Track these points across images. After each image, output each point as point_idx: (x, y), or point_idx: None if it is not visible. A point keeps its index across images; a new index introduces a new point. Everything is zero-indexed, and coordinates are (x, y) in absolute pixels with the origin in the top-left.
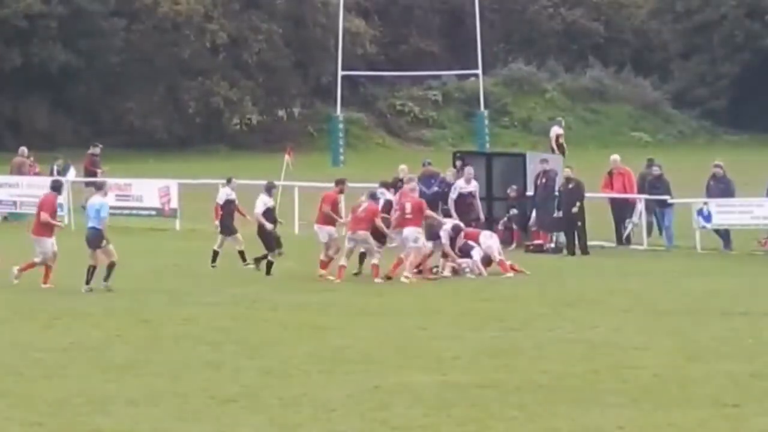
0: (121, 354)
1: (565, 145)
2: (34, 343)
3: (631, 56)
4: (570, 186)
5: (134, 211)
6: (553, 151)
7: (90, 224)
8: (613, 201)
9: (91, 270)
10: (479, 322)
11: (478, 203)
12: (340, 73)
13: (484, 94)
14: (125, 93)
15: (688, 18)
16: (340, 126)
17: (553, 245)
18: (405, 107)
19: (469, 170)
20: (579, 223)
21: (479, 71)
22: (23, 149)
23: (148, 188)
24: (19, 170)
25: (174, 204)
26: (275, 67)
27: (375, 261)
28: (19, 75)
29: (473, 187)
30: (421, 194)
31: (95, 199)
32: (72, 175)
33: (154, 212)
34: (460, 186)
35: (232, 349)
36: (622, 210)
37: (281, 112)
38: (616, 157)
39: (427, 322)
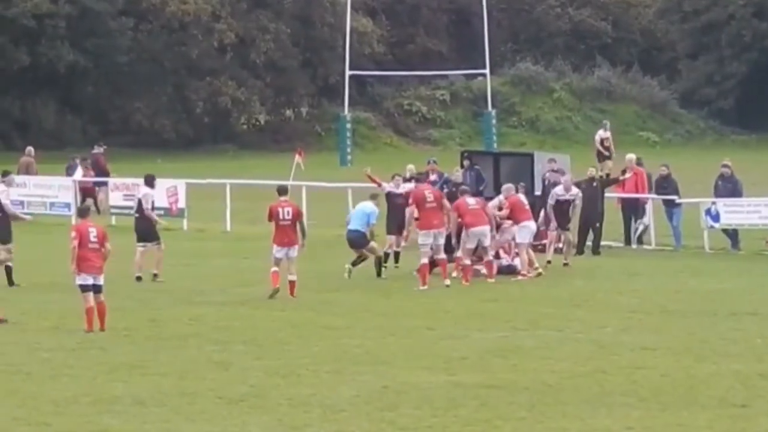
0: (129, 354)
1: (612, 147)
2: (42, 343)
3: (638, 56)
4: (593, 185)
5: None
6: (599, 154)
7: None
8: (623, 201)
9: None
10: (487, 322)
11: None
12: (348, 72)
13: (492, 94)
14: (133, 93)
15: (696, 18)
16: (348, 126)
17: (560, 245)
18: (413, 107)
19: (566, 179)
20: (597, 224)
21: (487, 71)
22: (30, 149)
23: (156, 188)
24: (26, 170)
25: (182, 204)
26: (283, 66)
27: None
28: (27, 74)
29: (571, 195)
30: None
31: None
32: (79, 174)
33: (161, 212)
34: (558, 193)
35: (240, 349)
36: (632, 210)
37: (289, 112)
38: (631, 156)
39: (434, 322)
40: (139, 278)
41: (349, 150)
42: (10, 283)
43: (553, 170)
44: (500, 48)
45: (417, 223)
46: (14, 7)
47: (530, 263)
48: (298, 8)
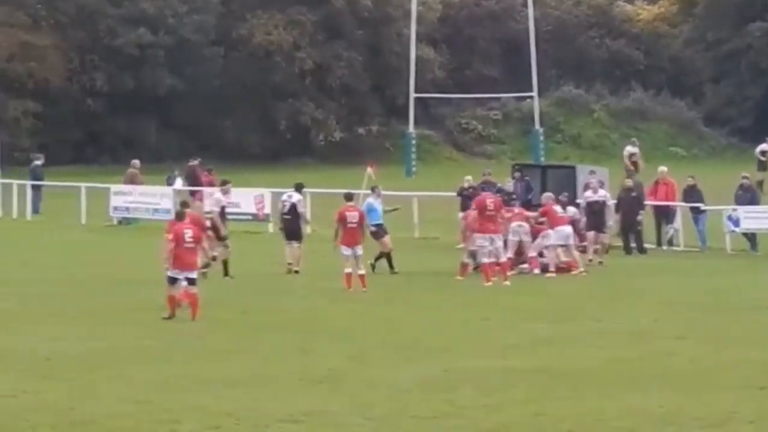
0: (222, 340)
1: (639, 162)
2: (146, 332)
3: (668, 81)
4: (633, 194)
5: (233, 216)
6: (626, 168)
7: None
8: (655, 207)
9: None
10: (535, 314)
11: (610, 210)
12: (413, 95)
13: (539, 114)
14: (224, 113)
15: (718, 47)
16: (413, 142)
17: (597, 246)
18: (470, 125)
19: (594, 181)
20: (639, 228)
21: (535, 93)
22: (135, 162)
23: (245, 196)
24: (132, 180)
25: (267, 210)
26: (356, 90)
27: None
28: (131, 97)
29: (600, 196)
30: None
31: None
32: (178, 184)
33: (250, 217)
34: (587, 195)
35: (319, 336)
36: (663, 216)
37: (361, 130)
38: (663, 168)
39: (489, 314)
40: (291, 270)
41: (413, 163)
42: (225, 273)
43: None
44: (546, 73)
45: (476, 228)
46: (120, 38)
47: (575, 263)
48: (368, 39)
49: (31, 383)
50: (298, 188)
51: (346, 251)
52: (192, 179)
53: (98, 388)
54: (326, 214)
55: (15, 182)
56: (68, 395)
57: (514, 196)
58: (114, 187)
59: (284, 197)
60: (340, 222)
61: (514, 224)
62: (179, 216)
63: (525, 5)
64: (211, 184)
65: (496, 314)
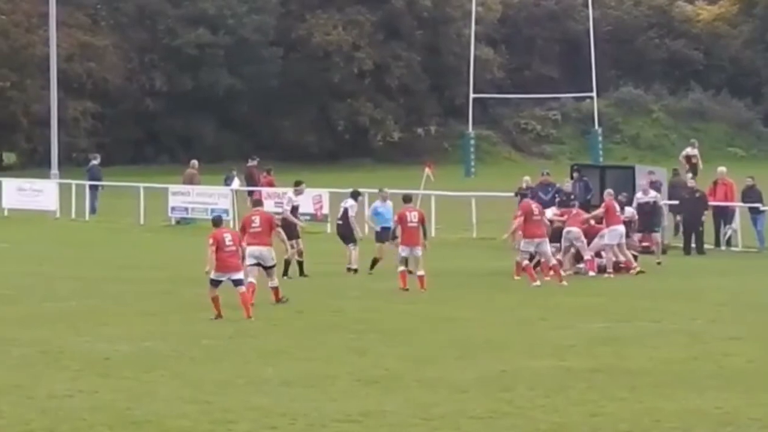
0: (278, 341)
1: (699, 165)
2: (204, 332)
3: (727, 81)
4: (696, 195)
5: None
6: (688, 170)
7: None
8: (714, 208)
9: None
10: (592, 314)
11: (661, 211)
12: (472, 95)
13: (598, 114)
14: (282, 113)
15: None
16: (472, 142)
17: (653, 247)
18: (528, 125)
19: (644, 183)
20: (701, 228)
21: (594, 94)
22: (194, 162)
23: (303, 196)
24: (190, 181)
25: (325, 210)
26: (414, 90)
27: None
28: (190, 97)
29: (650, 197)
30: (539, 200)
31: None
32: (236, 184)
33: (308, 217)
34: (638, 197)
35: (375, 337)
36: (721, 216)
37: (419, 130)
38: (722, 169)
39: (546, 314)
40: (353, 270)
41: (472, 164)
42: (301, 273)
43: (651, 181)
44: (605, 74)
45: (521, 232)
46: (179, 38)
47: (629, 262)
48: (427, 39)
49: (89, 383)
50: (354, 195)
51: (403, 251)
52: (250, 180)
53: (156, 387)
54: None
55: (73, 182)
56: (126, 395)
57: (573, 197)
58: (172, 187)
59: (342, 203)
60: (400, 222)
61: (565, 230)
62: (216, 223)
63: (585, 5)
64: (270, 185)
65: (553, 314)
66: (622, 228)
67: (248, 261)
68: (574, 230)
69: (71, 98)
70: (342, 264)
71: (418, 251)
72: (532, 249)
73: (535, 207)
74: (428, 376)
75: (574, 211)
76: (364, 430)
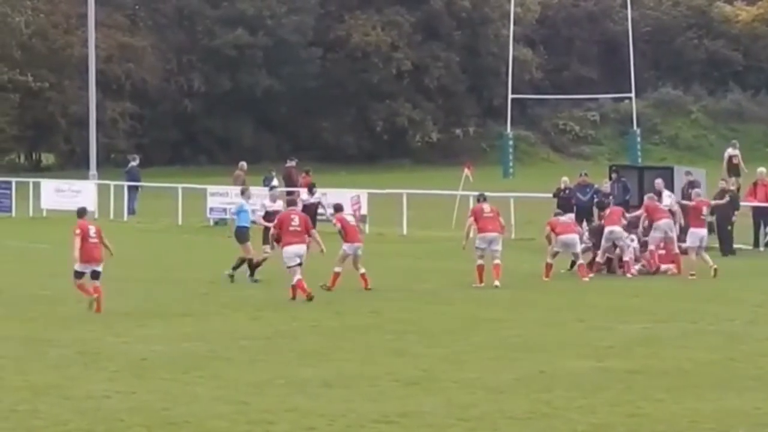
0: (317, 342)
1: (741, 165)
2: (241, 332)
3: (766, 81)
4: (728, 197)
5: (329, 217)
6: (729, 171)
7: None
8: (754, 209)
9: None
10: (630, 315)
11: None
12: (510, 96)
13: (637, 115)
14: (321, 113)
15: None
16: (510, 143)
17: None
18: (567, 126)
19: (659, 183)
20: (729, 228)
21: (632, 95)
22: (243, 164)
23: (341, 197)
24: (235, 182)
25: (364, 211)
26: (453, 91)
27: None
28: (228, 98)
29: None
30: (577, 201)
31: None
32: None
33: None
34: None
35: (413, 338)
36: (761, 217)
37: (458, 131)
38: (762, 170)
39: (584, 315)
40: None
41: (510, 164)
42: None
43: (689, 181)
44: (644, 74)
45: (555, 231)
46: (218, 39)
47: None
48: (466, 39)
49: (126, 383)
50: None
51: (482, 244)
52: (288, 180)
53: (193, 388)
54: (423, 215)
55: (111, 183)
56: (163, 396)
57: (611, 197)
58: (211, 188)
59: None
60: (474, 214)
61: (606, 230)
62: (80, 214)
63: (623, 6)
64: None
65: (591, 315)
66: (704, 231)
67: (293, 261)
68: (617, 229)
69: (110, 99)
70: (382, 265)
71: (360, 250)
72: (558, 249)
73: (566, 219)
74: (466, 376)
75: (609, 210)
76: (402, 431)
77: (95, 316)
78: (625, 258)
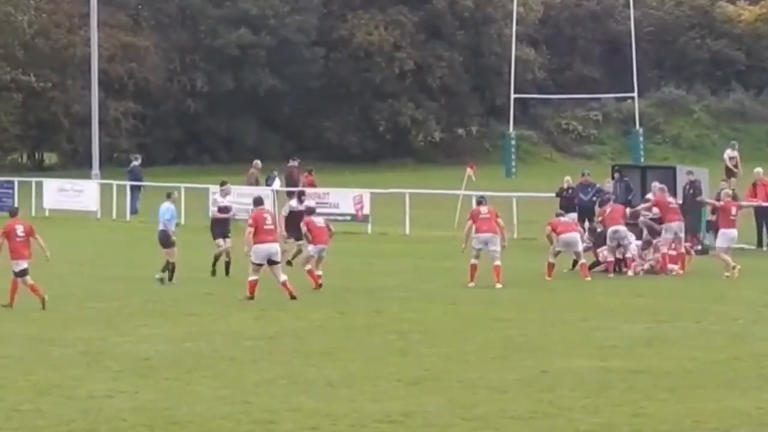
0: (320, 341)
1: (739, 165)
2: (245, 332)
3: None
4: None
5: (331, 217)
6: (727, 171)
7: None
8: (756, 209)
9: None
10: (634, 315)
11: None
12: (513, 95)
13: (639, 115)
14: (324, 113)
15: None
16: (513, 142)
17: (699, 247)
18: (569, 126)
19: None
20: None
21: (635, 94)
22: (257, 162)
23: (344, 197)
24: (256, 181)
25: (366, 210)
26: (456, 90)
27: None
28: (231, 97)
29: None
30: (579, 201)
31: (164, 205)
32: (277, 185)
33: (348, 217)
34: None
35: (417, 337)
36: (764, 216)
37: (461, 130)
38: (759, 170)
39: (588, 314)
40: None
41: (513, 164)
42: (227, 272)
43: (690, 180)
44: (647, 74)
45: (557, 231)
46: (220, 38)
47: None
48: (469, 39)
49: (129, 383)
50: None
51: (477, 244)
52: (290, 180)
53: (197, 388)
54: (426, 215)
55: (114, 183)
56: (166, 395)
57: (613, 197)
58: (213, 188)
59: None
60: (472, 217)
61: (610, 230)
62: (12, 213)
63: (626, 6)
64: (311, 185)
65: (594, 315)
66: (734, 231)
67: (260, 260)
68: (621, 229)
69: (112, 99)
70: (385, 265)
71: (324, 252)
72: (560, 248)
73: (566, 219)
74: (469, 376)
75: (609, 207)
76: (406, 431)
77: (97, 316)
78: (627, 255)
